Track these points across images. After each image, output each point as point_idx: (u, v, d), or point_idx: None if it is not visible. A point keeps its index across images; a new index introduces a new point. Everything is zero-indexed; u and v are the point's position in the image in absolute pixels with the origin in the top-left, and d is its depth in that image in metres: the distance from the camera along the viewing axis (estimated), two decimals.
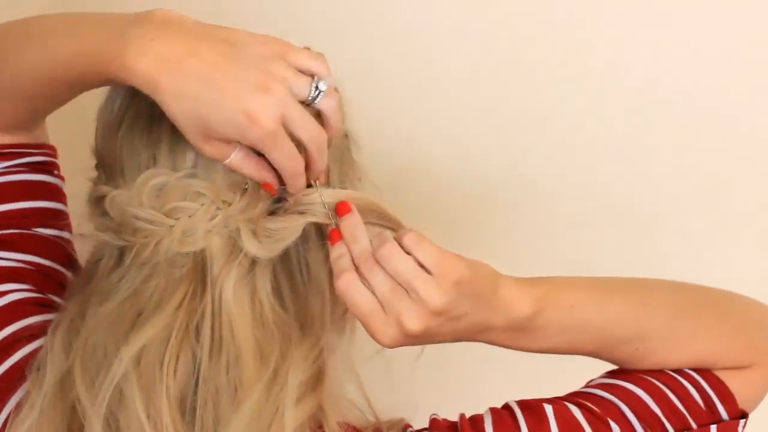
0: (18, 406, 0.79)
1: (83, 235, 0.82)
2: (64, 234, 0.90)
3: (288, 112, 0.71)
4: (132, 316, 0.76)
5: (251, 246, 0.76)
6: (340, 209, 0.77)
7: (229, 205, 0.76)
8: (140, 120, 0.78)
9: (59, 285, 0.87)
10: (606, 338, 0.82)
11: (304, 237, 0.79)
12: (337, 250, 0.76)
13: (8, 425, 0.78)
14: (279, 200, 0.78)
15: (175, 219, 0.76)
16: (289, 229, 0.77)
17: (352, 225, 0.76)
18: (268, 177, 0.75)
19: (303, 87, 0.73)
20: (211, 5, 1.25)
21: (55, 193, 0.90)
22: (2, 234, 0.86)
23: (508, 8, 1.31)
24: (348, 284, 0.75)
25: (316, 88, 0.73)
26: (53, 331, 0.79)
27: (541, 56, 1.32)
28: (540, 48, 1.31)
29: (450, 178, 1.32)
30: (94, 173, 0.83)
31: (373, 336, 0.75)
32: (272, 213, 0.78)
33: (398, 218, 0.78)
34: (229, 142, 0.73)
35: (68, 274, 0.89)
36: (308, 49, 0.76)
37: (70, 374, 0.76)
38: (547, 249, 1.34)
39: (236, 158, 0.74)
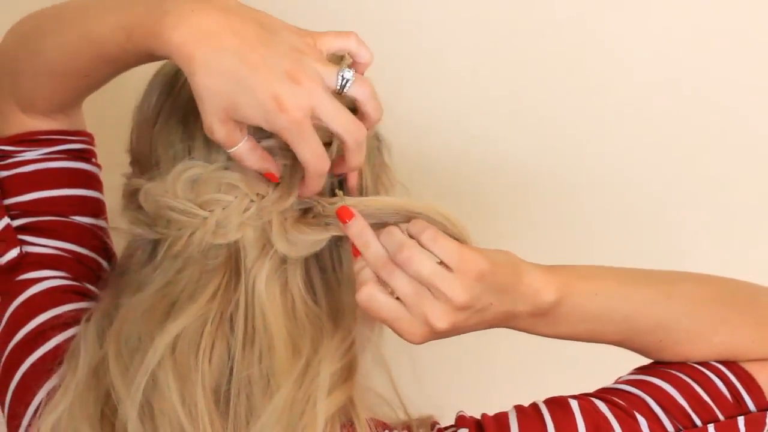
0: (51, 392, 0.79)
1: (117, 229, 0.82)
2: (101, 222, 0.91)
3: (318, 103, 0.70)
4: (165, 306, 0.76)
5: (281, 245, 0.76)
6: (341, 215, 0.76)
7: (263, 197, 0.76)
8: (176, 114, 0.78)
9: (94, 273, 0.88)
10: (630, 328, 0.81)
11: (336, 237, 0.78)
12: (359, 264, 0.76)
13: (40, 411, 0.79)
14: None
15: (209, 211, 0.76)
16: (312, 242, 0.77)
17: (358, 231, 0.75)
18: (272, 167, 0.75)
19: (331, 76, 0.72)
20: None
21: (92, 181, 0.91)
22: (40, 221, 0.87)
23: (517, 5, 1.30)
24: (369, 297, 0.74)
25: (342, 77, 0.72)
26: (87, 320, 0.80)
27: (546, 54, 1.31)
28: (544, 45, 1.31)
29: (452, 175, 1.32)
30: (129, 170, 0.83)
31: (402, 337, 0.75)
32: (304, 212, 0.78)
33: (465, 229, 0.76)
34: (242, 129, 0.73)
35: (103, 262, 0.89)
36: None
37: (104, 362, 0.76)
38: (548, 248, 1.33)
39: (243, 148, 0.73)
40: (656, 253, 1.34)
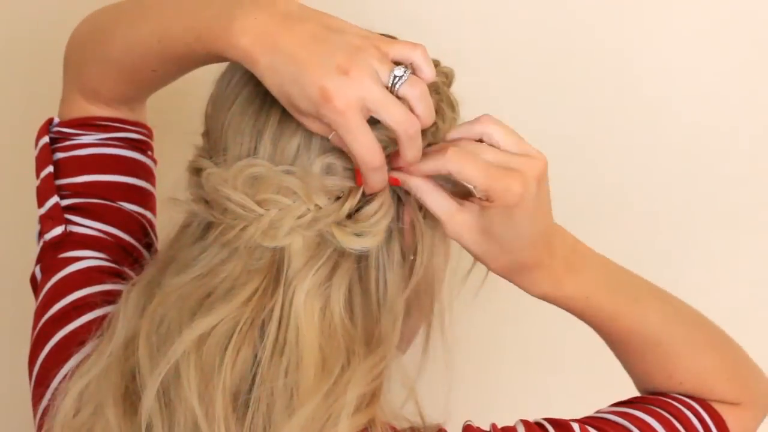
0: (84, 359, 0.80)
1: (176, 200, 0.82)
2: (148, 214, 0.92)
3: (367, 94, 0.71)
4: (200, 295, 0.76)
5: (348, 241, 0.76)
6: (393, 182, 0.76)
7: (320, 208, 0.76)
8: (252, 103, 0.78)
9: (134, 260, 0.89)
10: (629, 335, 0.87)
11: (389, 255, 0.78)
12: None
13: (69, 376, 0.80)
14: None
15: (266, 209, 0.76)
16: (374, 224, 0.76)
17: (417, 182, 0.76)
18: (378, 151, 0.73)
19: (385, 72, 0.72)
20: None
21: (145, 172, 0.93)
22: (88, 203, 0.89)
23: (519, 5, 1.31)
24: (457, 153, 0.74)
25: (395, 75, 0.72)
26: (130, 289, 0.81)
27: (547, 54, 1.32)
28: (545, 45, 1.32)
29: None
30: (200, 141, 0.83)
31: (502, 195, 0.74)
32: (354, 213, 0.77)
33: None
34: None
35: (144, 252, 0.91)
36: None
37: (136, 338, 0.77)
38: None
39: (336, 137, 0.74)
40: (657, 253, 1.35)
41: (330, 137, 0.74)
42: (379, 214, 0.76)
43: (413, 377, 0.80)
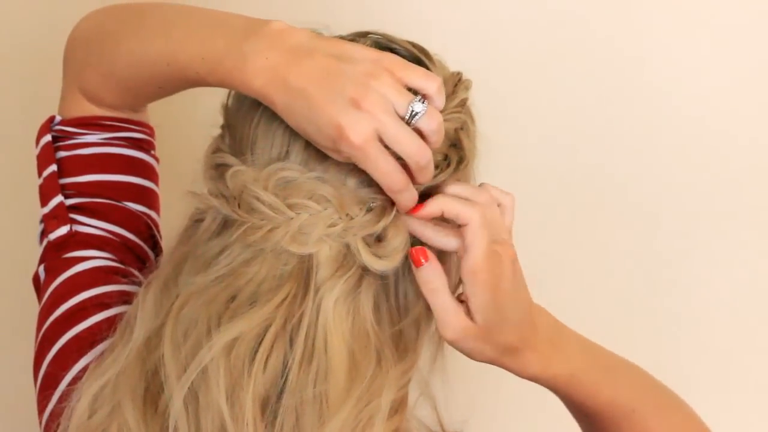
0: (99, 358, 0.80)
1: (195, 193, 0.81)
2: (152, 213, 0.92)
3: (382, 127, 0.70)
4: (225, 297, 0.75)
5: (371, 260, 0.76)
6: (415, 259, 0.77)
7: (351, 218, 0.76)
8: None
9: (139, 259, 0.89)
10: (607, 406, 0.89)
11: (408, 267, 0.78)
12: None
13: (85, 377, 0.79)
14: None
15: (296, 213, 0.75)
16: (394, 248, 0.77)
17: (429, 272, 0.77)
18: (401, 172, 0.74)
19: (402, 104, 0.71)
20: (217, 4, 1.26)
21: (148, 171, 0.92)
22: (92, 202, 0.88)
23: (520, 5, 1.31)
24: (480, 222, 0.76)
25: (413, 109, 0.72)
26: (146, 287, 0.80)
27: (548, 53, 1.33)
28: (546, 45, 1.33)
29: None
30: (217, 131, 0.83)
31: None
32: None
33: None
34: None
35: (150, 252, 0.90)
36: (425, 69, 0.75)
37: (157, 336, 0.76)
38: (548, 247, 1.33)
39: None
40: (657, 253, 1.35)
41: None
42: (398, 241, 0.77)
43: (429, 383, 0.81)
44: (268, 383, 0.73)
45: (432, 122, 0.72)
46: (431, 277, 0.76)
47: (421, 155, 0.72)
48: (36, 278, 0.90)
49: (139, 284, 0.86)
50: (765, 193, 1.36)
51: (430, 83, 0.72)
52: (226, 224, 0.78)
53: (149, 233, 0.91)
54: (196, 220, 0.81)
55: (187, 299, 0.76)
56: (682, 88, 1.34)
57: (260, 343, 0.73)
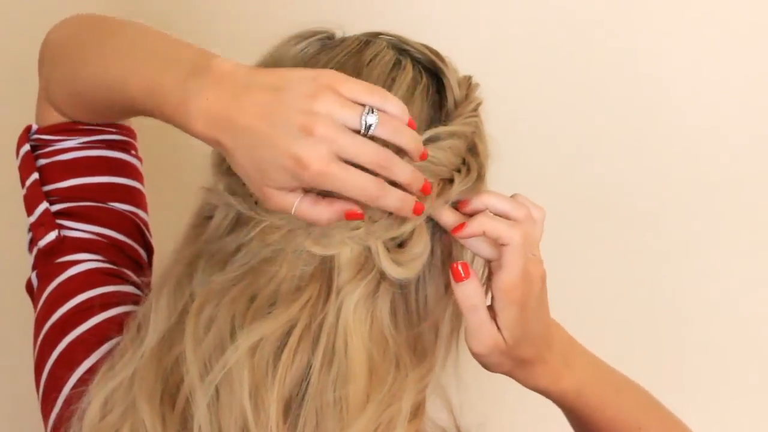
0: (109, 360, 0.79)
1: (208, 190, 0.80)
2: (139, 212, 0.91)
3: (337, 147, 0.69)
4: (247, 297, 0.75)
5: (389, 267, 0.75)
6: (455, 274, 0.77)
7: (374, 221, 0.76)
8: None
9: (131, 259, 0.89)
10: (612, 422, 0.90)
11: (430, 271, 0.79)
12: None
13: (96, 380, 0.78)
14: None
15: None
16: (413, 256, 0.77)
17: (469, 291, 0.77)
18: (341, 209, 0.73)
19: (352, 117, 0.70)
20: (218, 4, 1.25)
21: (130, 170, 0.92)
22: (77, 206, 0.88)
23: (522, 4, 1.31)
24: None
25: (366, 121, 0.71)
26: (159, 288, 0.80)
27: (550, 53, 1.32)
28: (546, 50, 1.32)
29: None
30: None
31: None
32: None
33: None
34: (292, 190, 0.72)
35: (142, 251, 0.90)
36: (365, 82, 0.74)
37: (173, 337, 0.76)
38: (547, 245, 1.33)
39: (302, 207, 0.72)
40: (657, 253, 1.35)
41: (292, 212, 0.72)
42: (418, 249, 0.77)
43: (443, 384, 0.81)
44: (292, 385, 0.73)
45: (386, 127, 0.71)
46: (472, 293, 0.77)
47: (382, 156, 0.71)
48: (29, 285, 0.90)
49: (134, 284, 0.87)
50: (765, 193, 1.36)
51: (371, 97, 0.71)
52: (239, 221, 0.78)
53: (138, 232, 0.90)
54: (206, 217, 0.80)
55: (206, 298, 0.76)
56: (683, 87, 1.33)
57: (285, 345, 0.73)
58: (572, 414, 0.90)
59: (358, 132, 0.70)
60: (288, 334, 0.73)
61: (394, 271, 0.75)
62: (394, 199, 0.73)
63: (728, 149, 1.34)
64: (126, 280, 0.87)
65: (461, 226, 0.76)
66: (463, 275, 0.76)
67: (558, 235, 1.33)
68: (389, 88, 0.76)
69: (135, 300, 0.85)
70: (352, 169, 0.70)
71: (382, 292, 0.76)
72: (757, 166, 1.35)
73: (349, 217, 0.73)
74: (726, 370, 1.38)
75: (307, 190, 0.72)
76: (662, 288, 1.37)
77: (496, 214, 0.78)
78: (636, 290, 1.37)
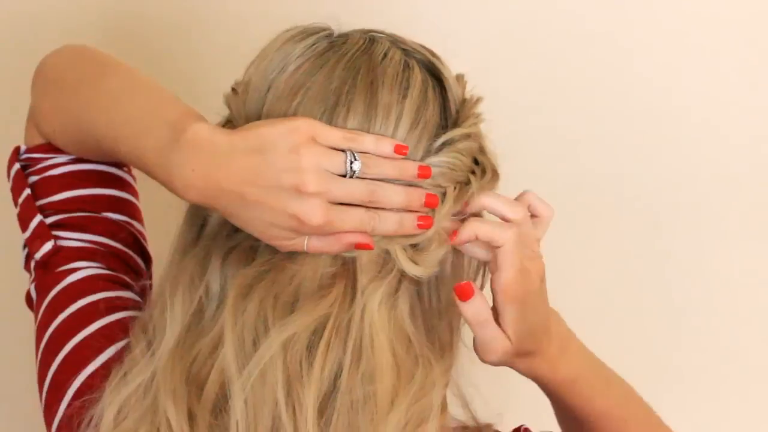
0: (119, 367, 0.78)
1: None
2: (134, 222, 0.91)
3: (331, 196, 0.72)
4: (273, 294, 0.76)
5: (407, 266, 0.77)
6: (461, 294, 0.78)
7: None
8: (325, 101, 0.76)
9: (129, 267, 0.88)
10: (601, 414, 0.92)
11: (442, 271, 0.80)
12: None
13: (109, 387, 0.78)
14: None
15: None
16: (433, 259, 0.78)
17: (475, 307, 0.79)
18: (357, 238, 0.74)
19: (338, 165, 0.73)
20: (218, 4, 1.25)
21: (122, 183, 0.91)
22: (71, 217, 0.87)
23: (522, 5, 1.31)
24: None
25: (351, 167, 0.73)
26: (172, 289, 0.79)
27: (550, 53, 1.32)
28: (547, 45, 1.32)
29: None
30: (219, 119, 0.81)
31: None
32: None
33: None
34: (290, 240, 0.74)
35: (138, 259, 0.90)
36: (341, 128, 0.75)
37: (194, 335, 0.77)
38: (548, 245, 1.33)
39: (311, 247, 0.74)
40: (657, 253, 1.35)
41: (305, 251, 0.74)
42: (433, 248, 0.78)
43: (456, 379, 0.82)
44: (327, 381, 0.74)
45: (372, 169, 0.73)
46: (480, 310, 0.78)
47: (368, 195, 0.73)
48: (29, 297, 0.89)
49: (135, 290, 0.87)
50: (765, 193, 1.35)
51: (351, 143, 0.73)
52: None
53: (135, 242, 0.90)
54: (202, 216, 0.81)
55: (239, 292, 0.76)
56: (683, 87, 1.33)
57: (318, 341, 0.74)
58: (562, 404, 0.90)
59: (343, 175, 0.73)
60: (319, 330, 0.74)
61: (412, 270, 0.76)
62: (391, 224, 0.75)
63: (729, 149, 1.34)
64: (126, 286, 0.86)
65: (455, 233, 0.77)
66: (468, 294, 0.77)
67: (558, 235, 1.33)
68: (405, 90, 0.77)
69: (136, 305, 0.85)
70: (346, 209, 0.73)
71: (402, 291, 0.77)
72: (757, 165, 1.35)
73: (359, 247, 0.75)
74: (726, 370, 1.38)
75: None
76: (662, 287, 1.37)
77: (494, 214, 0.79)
78: (636, 290, 1.37)
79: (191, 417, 0.75)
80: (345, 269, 0.76)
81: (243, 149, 0.72)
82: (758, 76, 1.33)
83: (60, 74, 0.86)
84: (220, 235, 0.79)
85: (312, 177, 0.71)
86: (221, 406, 0.75)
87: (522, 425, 0.83)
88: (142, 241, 0.91)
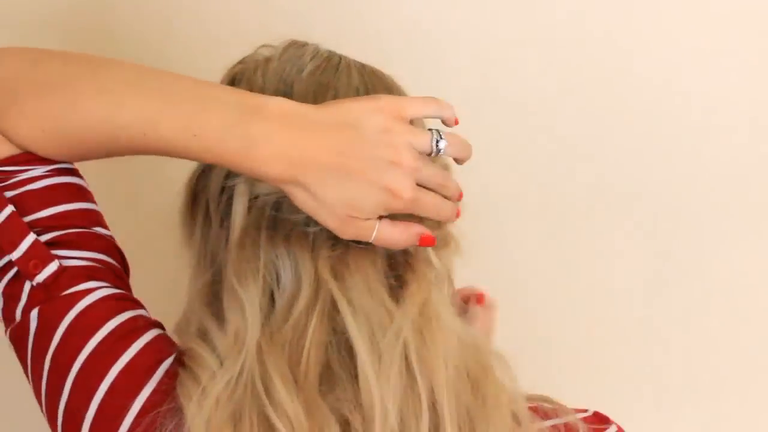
0: (192, 383, 0.77)
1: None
2: (112, 235, 0.87)
3: (419, 175, 0.76)
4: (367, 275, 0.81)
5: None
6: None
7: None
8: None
9: (124, 282, 0.85)
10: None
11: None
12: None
13: (191, 412, 0.76)
14: None
15: None
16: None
17: None
18: (422, 231, 0.80)
19: (425, 144, 0.77)
20: (219, 5, 1.25)
21: (90, 195, 0.87)
22: (66, 234, 0.82)
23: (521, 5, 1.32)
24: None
25: (437, 146, 0.78)
26: (241, 282, 0.80)
27: (550, 52, 1.33)
28: (545, 48, 1.33)
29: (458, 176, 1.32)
30: None
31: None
32: None
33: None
34: (368, 218, 0.77)
35: (125, 274, 0.87)
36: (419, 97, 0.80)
37: (279, 319, 0.79)
38: (548, 245, 1.34)
39: (382, 232, 0.77)
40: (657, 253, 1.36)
41: (371, 240, 0.78)
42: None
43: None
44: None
45: (456, 147, 0.79)
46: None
47: (442, 179, 0.79)
48: (19, 328, 0.82)
49: (143, 306, 0.84)
50: (765, 192, 1.36)
51: (428, 108, 0.79)
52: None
53: (120, 255, 0.86)
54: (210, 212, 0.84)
55: (337, 271, 0.79)
56: (684, 86, 1.34)
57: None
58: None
59: (429, 155, 0.78)
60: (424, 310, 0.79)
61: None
62: (451, 212, 0.81)
63: (729, 149, 1.34)
64: (137, 303, 0.83)
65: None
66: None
67: (558, 235, 1.34)
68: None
69: (152, 322, 0.82)
70: (430, 192, 0.78)
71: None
72: (757, 165, 1.35)
73: (424, 242, 0.79)
74: (726, 370, 1.38)
75: (381, 216, 0.77)
76: (663, 288, 1.36)
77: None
78: (636, 290, 1.37)
79: (300, 395, 0.76)
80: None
81: (332, 122, 0.75)
82: (758, 76, 1.33)
83: (30, 78, 0.80)
84: (257, 224, 0.81)
85: (406, 152, 0.75)
86: (329, 380, 0.77)
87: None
88: (123, 258, 0.87)
